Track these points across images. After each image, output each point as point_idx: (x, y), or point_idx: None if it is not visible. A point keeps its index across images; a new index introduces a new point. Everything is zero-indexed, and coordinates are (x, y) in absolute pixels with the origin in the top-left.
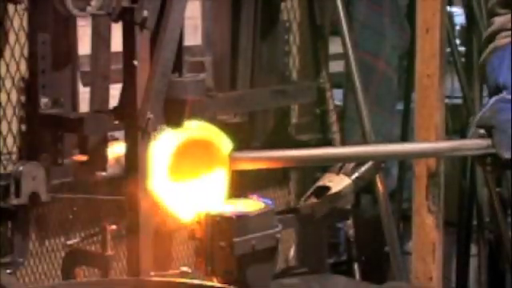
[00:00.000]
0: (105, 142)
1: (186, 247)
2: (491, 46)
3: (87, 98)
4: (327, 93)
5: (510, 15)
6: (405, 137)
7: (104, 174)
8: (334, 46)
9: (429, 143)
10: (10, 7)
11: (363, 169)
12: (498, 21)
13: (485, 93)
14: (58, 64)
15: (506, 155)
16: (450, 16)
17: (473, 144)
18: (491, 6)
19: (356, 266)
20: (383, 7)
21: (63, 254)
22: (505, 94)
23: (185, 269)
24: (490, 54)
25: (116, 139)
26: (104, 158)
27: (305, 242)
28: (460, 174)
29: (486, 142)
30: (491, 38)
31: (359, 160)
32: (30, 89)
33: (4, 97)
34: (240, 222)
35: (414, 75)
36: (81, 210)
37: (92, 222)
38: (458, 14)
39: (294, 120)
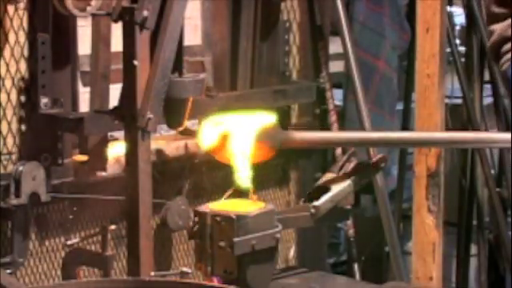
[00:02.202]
0: (105, 141)
1: (186, 247)
2: (503, 60)
3: (87, 98)
4: (327, 93)
5: (508, 21)
6: None
7: (104, 173)
8: (334, 46)
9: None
10: (10, 7)
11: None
12: (497, 29)
13: (485, 93)
14: (58, 64)
15: None
16: (450, 16)
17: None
18: (487, 5)
19: (356, 266)
20: (383, 7)
21: (63, 254)
22: None
23: (185, 269)
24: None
25: (116, 139)
26: (104, 158)
27: (305, 242)
28: (460, 174)
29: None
30: (494, 49)
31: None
32: (30, 89)
33: (4, 97)
34: (240, 221)
35: (414, 75)
36: (81, 210)
37: (92, 222)
38: (458, 14)
39: (294, 120)
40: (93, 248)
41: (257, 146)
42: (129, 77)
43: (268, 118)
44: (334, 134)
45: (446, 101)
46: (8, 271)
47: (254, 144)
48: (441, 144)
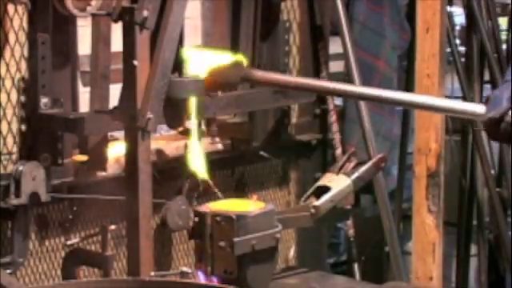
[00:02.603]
0: (105, 141)
1: (186, 247)
2: None
3: (87, 98)
4: None
5: None
6: (405, 137)
7: (104, 173)
8: (334, 46)
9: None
10: (10, 7)
11: (363, 169)
12: None
13: (485, 93)
14: (58, 64)
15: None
16: (450, 16)
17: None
18: None
19: (356, 266)
20: (383, 7)
21: (63, 254)
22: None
23: (185, 269)
24: None
25: (116, 139)
26: (104, 158)
27: (305, 242)
28: (460, 174)
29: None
30: None
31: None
32: (30, 89)
33: (4, 97)
34: (240, 222)
35: (414, 75)
36: (81, 210)
37: (92, 222)
38: (458, 14)
39: (294, 120)
40: (93, 248)
41: (216, 79)
42: (129, 77)
43: (231, 57)
44: (294, 79)
45: None
46: (8, 271)
47: (214, 77)
48: (408, 105)
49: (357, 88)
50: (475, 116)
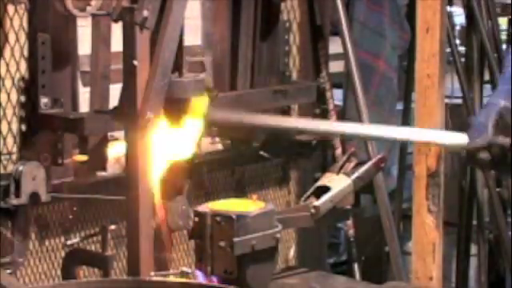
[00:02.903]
0: (105, 141)
1: (186, 247)
2: None
3: (87, 98)
4: (327, 93)
5: None
6: None
7: (104, 173)
8: (334, 46)
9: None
10: (10, 7)
11: (363, 169)
12: None
13: (485, 93)
14: (58, 64)
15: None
16: (450, 16)
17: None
18: None
19: (356, 266)
20: (383, 7)
21: (63, 254)
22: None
23: (185, 269)
24: None
25: (116, 139)
26: (104, 158)
27: (305, 242)
28: (460, 174)
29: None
30: None
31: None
32: (30, 89)
33: (4, 97)
34: (240, 222)
35: (414, 75)
36: (81, 210)
37: (92, 222)
38: (458, 14)
39: None
40: (93, 248)
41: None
42: (129, 77)
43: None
44: (252, 117)
45: (446, 101)
46: (8, 271)
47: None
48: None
49: (320, 123)
50: (455, 146)
